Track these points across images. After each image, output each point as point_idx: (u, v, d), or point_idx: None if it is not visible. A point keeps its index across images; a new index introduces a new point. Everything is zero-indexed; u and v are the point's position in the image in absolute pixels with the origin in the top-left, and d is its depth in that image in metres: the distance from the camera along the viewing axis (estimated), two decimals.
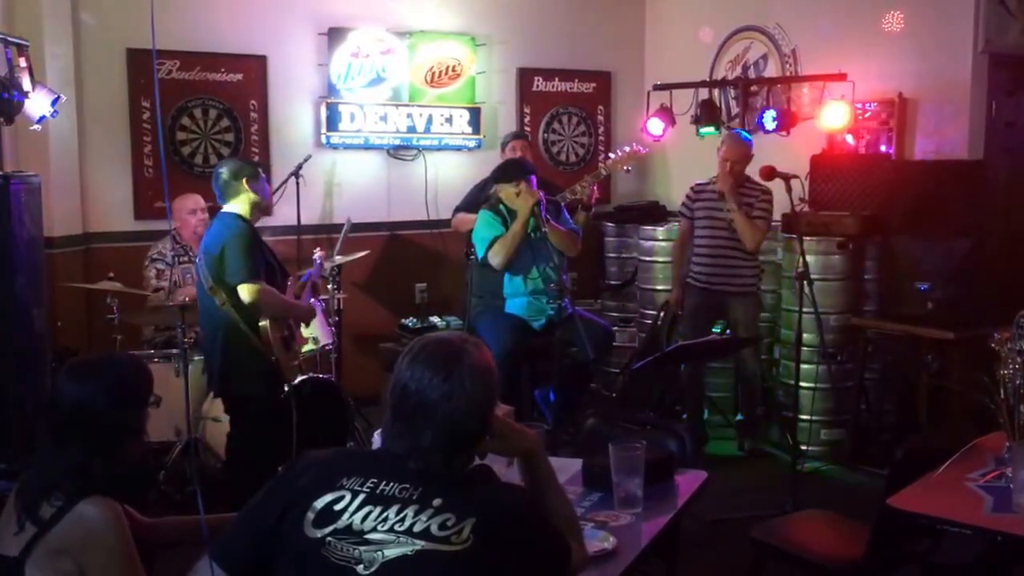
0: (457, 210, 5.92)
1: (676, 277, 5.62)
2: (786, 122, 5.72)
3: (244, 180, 4.03)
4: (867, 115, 5.74)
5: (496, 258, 4.83)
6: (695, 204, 5.50)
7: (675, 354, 4.74)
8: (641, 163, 6.20)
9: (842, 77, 5.56)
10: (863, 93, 5.59)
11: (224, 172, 4.07)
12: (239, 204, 4.05)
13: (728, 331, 5.45)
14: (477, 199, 5.62)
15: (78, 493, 2.09)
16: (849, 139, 5.83)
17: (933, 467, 2.78)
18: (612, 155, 6.01)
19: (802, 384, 5.11)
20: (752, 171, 5.21)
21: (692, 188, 5.60)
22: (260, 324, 3.99)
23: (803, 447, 5.16)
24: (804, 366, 5.07)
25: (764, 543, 3.16)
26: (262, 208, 4.13)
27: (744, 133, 5.52)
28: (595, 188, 5.73)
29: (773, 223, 5.64)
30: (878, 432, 5.29)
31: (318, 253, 4.88)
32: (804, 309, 4.65)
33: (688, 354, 4.98)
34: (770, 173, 4.63)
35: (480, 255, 4.92)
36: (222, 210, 4.11)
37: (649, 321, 6.07)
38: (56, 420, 2.18)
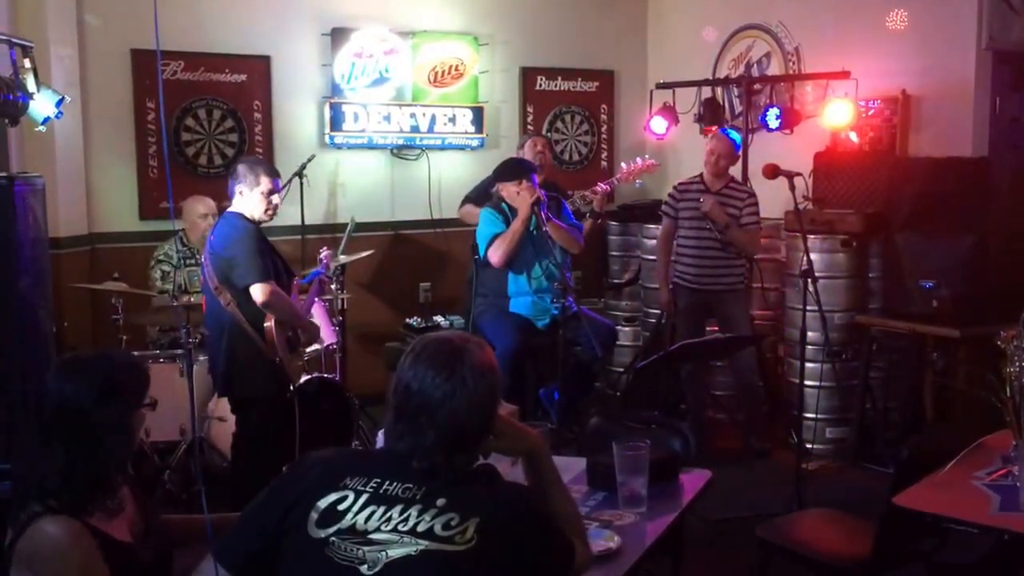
0: (466, 200, 5.93)
1: (664, 279, 5.57)
2: (789, 120, 5.74)
3: (251, 182, 4.03)
4: (871, 112, 5.73)
5: (496, 254, 4.83)
6: (679, 204, 5.48)
7: (679, 353, 4.73)
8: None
9: (845, 75, 5.56)
10: (866, 91, 5.58)
11: (237, 170, 4.07)
12: (245, 204, 4.05)
13: (719, 329, 5.45)
14: (486, 191, 5.62)
15: (51, 507, 2.01)
16: (853, 137, 5.82)
17: (939, 466, 2.77)
18: (625, 165, 6.02)
19: (807, 383, 5.11)
20: (755, 169, 5.20)
21: (675, 187, 5.58)
22: (265, 325, 3.99)
23: (808, 446, 5.16)
24: (809, 364, 5.05)
25: (769, 542, 3.16)
26: (267, 212, 4.10)
27: (733, 134, 5.51)
28: (606, 196, 5.76)
29: (776, 221, 5.64)
30: (883, 431, 5.27)
31: (324, 252, 4.89)
32: (808, 307, 4.64)
33: (692, 353, 4.97)
34: (773, 171, 4.61)
35: (483, 254, 4.92)
36: (227, 210, 4.11)
37: (653, 320, 6.08)
38: (41, 417, 2.11)
